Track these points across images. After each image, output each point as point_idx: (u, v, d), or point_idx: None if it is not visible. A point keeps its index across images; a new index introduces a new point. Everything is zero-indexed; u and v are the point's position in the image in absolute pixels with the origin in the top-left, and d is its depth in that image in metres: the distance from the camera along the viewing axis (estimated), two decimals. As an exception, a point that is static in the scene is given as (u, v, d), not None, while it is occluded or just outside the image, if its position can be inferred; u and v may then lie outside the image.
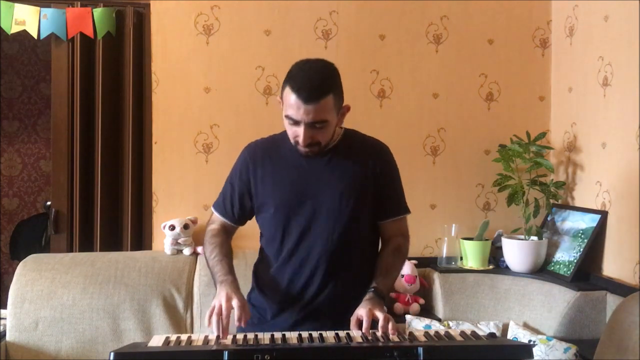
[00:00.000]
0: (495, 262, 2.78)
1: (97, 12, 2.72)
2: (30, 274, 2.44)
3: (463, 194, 2.94)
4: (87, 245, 2.80)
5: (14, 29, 2.69)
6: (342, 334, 1.57)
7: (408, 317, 2.56)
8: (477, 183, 2.95)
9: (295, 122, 1.68)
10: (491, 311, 2.59)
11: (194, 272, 2.57)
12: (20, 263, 2.50)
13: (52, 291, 2.40)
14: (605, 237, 2.51)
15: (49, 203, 3.00)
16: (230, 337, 1.56)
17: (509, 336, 2.43)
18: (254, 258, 1.95)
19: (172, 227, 2.62)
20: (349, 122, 1.87)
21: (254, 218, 1.91)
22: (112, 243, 2.82)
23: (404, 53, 2.89)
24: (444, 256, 2.78)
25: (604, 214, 2.51)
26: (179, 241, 2.64)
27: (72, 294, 2.40)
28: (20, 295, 2.39)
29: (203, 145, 2.79)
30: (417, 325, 2.49)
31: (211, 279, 2.45)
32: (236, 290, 1.67)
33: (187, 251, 2.64)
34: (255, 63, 2.80)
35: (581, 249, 2.52)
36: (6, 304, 2.40)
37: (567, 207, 2.76)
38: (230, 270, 1.77)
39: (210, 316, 1.60)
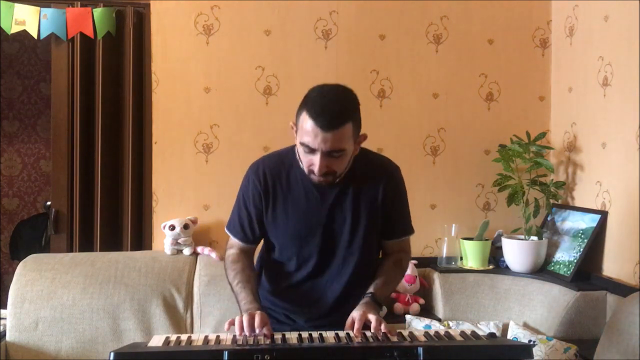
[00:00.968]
0: (495, 262, 2.78)
1: (97, 12, 2.72)
2: (30, 274, 2.44)
3: (463, 194, 2.94)
4: (87, 245, 2.80)
5: (14, 29, 2.69)
6: (342, 334, 1.57)
7: (408, 317, 2.56)
8: (477, 183, 2.95)
9: (311, 150, 1.62)
10: (491, 311, 2.59)
11: (194, 272, 2.57)
12: (20, 263, 2.50)
13: (52, 291, 2.40)
14: (605, 237, 2.51)
15: (49, 203, 3.00)
16: (230, 337, 1.56)
17: (509, 336, 2.43)
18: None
19: (172, 227, 2.62)
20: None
21: None
22: (112, 243, 2.82)
23: (404, 53, 2.89)
24: (444, 256, 2.78)
25: (604, 214, 2.51)
26: (179, 241, 2.64)
27: (72, 294, 2.40)
28: (20, 295, 2.39)
29: (203, 145, 2.79)
30: (417, 325, 2.48)
31: (211, 279, 2.50)
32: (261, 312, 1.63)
33: (187, 251, 2.64)
34: (255, 63, 2.80)
35: (581, 249, 2.52)
36: (6, 304, 2.40)
37: (567, 207, 2.76)
38: (255, 298, 1.73)
39: (232, 323, 1.58)
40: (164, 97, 2.76)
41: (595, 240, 2.50)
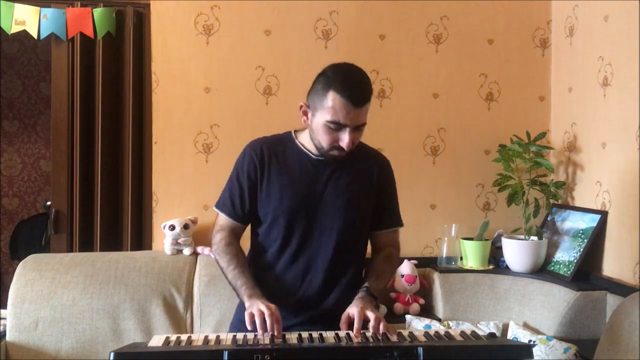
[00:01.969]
0: (495, 262, 2.78)
1: (97, 12, 2.72)
2: (30, 274, 2.44)
3: (463, 194, 2.94)
4: (87, 245, 2.80)
5: (14, 29, 2.69)
6: (342, 334, 1.57)
7: (408, 317, 2.56)
8: (477, 183, 2.95)
9: (339, 127, 1.67)
10: (491, 311, 2.59)
11: (194, 272, 2.57)
12: (20, 263, 2.50)
13: (52, 291, 2.40)
14: (605, 237, 2.51)
15: (49, 203, 3.00)
16: (230, 336, 1.56)
17: (509, 336, 2.43)
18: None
19: (172, 227, 2.62)
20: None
21: None
22: (112, 243, 2.82)
23: (404, 53, 2.89)
24: (444, 256, 2.78)
25: (604, 214, 2.51)
26: (179, 241, 2.64)
27: (72, 294, 2.40)
28: (20, 295, 2.39)
29: (203, 145, 2.79)
30: (417, 325, 2.48)
31: (211, 279, 2.50)
32: (270, 303, 1.62)
33: (187, 251, 2.64)
34: (255, 63, 2.80)
35: (581, 249, 2.52)
36: (6, 304, 2.40)
37: (567, 207, 2.76)
38: (255, 283, 1.73)
39: (252, 321, 1.57)
40: (164, 97, 2.76)
41: (595, 240, 2.50)
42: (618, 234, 2.44)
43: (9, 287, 2.42)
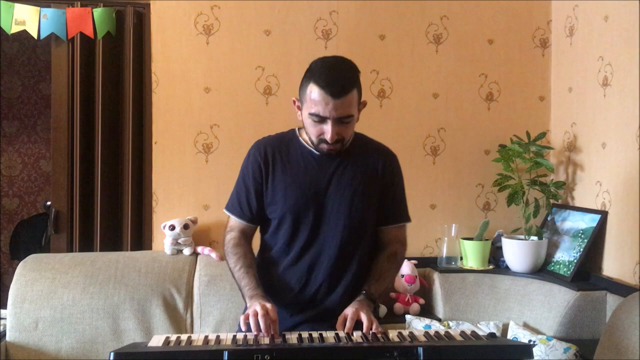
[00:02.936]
0: (495, 262, 2.78)
1: (97, 12, 2.72)
2: (30, 274, 2.44)
3: (463, 194, 2.94)
4: (87, 245, 2.80)
5: (14, 29, 2.69)
6: (342, 334, 1.57)
7: (408, 317, 2.56)
8: (477, 183, 2.95)
9: (322, 119, 1.67)
10: (491, 311, 2.59)
11: (194, 272, 2.57)
12: (20, 263, 2.50)
13: (52, 291, 2.40)
14: (605, 237, 2.51)
15: (49, 203, 3.00)
16: (230, 336, 1.56)
17: (509, 336, 2.43)
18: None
19: (172, 227, 2.62)
20: (348, 122, 1.87)
21: None
22: (112, 243, 2.82)
23: (404, 53, 2.89)
24: (444, 256, 2.78)
25: (604, 214, 2.51)
26: (179, 241, 2.64)
27: (72, 294, 2.40)
28: (20, 295, 2.39)
29: (203, 145, 2.79)
30: (417, 325, 2.49)
31: (211, 279, 2.50)
32: (267, 304, 1.63)
33: (187, 251, 2.64)
34: (255, 63, 2.80)
35: (581, 249, 2.52)
36: (6, 304, 2.40)
37: (567, 207, 2.76)
38: (259, 284, 1.73)
39: (246, 320, 1.57)
40: (164, 97, 2.76)
41: (595, 240, 2.50)
42: (618, 234, 2.44)
43: (9, 287, 2.42)
